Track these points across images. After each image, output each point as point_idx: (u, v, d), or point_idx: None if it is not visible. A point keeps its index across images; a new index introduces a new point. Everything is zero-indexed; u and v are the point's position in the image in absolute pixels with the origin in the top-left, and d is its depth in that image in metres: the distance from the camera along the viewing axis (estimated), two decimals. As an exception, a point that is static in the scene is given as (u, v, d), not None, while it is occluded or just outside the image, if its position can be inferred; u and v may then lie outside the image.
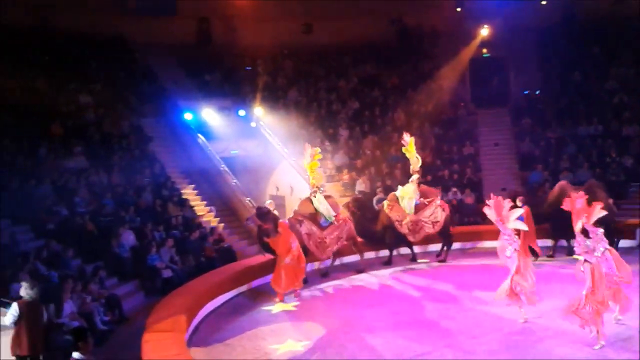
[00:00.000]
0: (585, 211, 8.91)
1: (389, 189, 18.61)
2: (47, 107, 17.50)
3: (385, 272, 14.29)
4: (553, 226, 14.54)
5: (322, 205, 13.49)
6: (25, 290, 8.37)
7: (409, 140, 14.75)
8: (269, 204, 14.89)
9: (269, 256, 12.70)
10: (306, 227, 13.26)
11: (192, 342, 10.12)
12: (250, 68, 24.19)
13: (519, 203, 13.70)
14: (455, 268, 14.48)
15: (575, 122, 20.90)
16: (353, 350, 9.36)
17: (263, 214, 12.45)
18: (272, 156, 20.39)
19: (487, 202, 9.95)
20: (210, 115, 20.78)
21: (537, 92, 23.42)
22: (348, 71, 24.83)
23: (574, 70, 22.60)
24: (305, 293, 12.69)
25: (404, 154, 14.98)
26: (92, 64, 20.87)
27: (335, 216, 13.71)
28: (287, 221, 12.90)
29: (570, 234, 10.89)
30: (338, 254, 14.53)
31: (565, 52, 23.19)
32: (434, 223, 14.57)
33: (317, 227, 13.44)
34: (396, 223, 14.59)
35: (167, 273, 13.51)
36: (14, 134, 15.80)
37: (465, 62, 24.08)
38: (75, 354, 6.08)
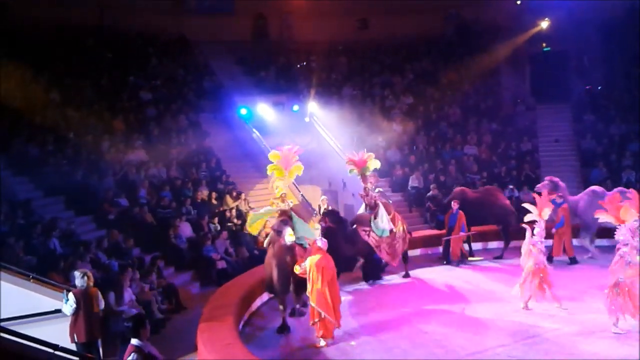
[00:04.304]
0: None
1: (442, 186, 18.37)
2: (110, 102, 18.21)
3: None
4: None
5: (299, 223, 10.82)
6: (78, 280, 8.66)
7: (362, 157, 12.76)
8: (323, 200, 15.02)
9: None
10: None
11: (245, 332, 10.33)
12: (305, 64, 24.36)
13: (454, 205, 14.10)
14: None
15: (639, 119, 20.10)
16: (404, 348, 9.31)
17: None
18: (325, 151, 20.44)
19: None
20: (265, 110, 21.07)
21: (599, 88, 22.68)
22: (403, 67, 24.64)
23: (638, 65, 21.73)
24: (353, 291, 12.63)
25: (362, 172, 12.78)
26: (153, 61, 21.55)
27: None
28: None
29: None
30: None
31: (629, 46, 22.26)
32: (403, 239, 13.00)
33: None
34: (376, 249, 12.57)
35: (221, 264, 13.86)
36: (78, 128, 16.45)
37: (524, 57, 23.52)
38: (134, 340, 6.25)
